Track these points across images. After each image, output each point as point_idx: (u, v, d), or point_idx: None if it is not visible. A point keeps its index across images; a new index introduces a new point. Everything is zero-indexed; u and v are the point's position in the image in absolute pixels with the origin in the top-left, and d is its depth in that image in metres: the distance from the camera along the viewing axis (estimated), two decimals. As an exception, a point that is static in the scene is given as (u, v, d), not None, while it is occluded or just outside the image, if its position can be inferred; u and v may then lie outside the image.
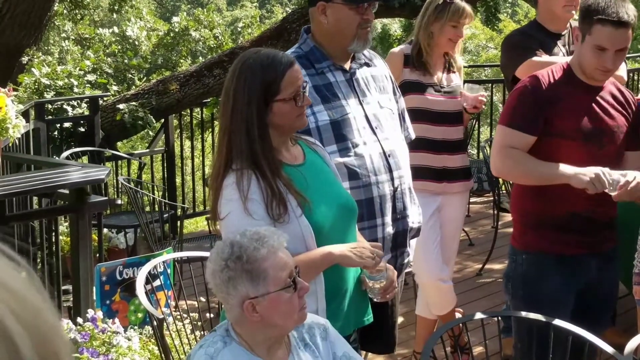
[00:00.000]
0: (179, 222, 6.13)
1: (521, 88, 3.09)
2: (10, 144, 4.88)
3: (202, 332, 3.49)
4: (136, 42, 14.42)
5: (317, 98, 2.85)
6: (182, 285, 3.70)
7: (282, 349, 2.20)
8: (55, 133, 7.01)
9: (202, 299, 4.19)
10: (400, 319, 4.80)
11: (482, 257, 5.91)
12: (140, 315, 4.18)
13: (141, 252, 5.47)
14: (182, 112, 8.12)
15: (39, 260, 4.58)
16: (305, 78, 2.62)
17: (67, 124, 7.06)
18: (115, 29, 15.10)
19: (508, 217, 6.36)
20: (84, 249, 4.21)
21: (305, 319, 2.19)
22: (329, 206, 2.49)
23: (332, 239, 2.44)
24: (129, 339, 3.54)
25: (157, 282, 3.63)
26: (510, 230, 3.45)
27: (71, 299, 4.32)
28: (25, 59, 8.42)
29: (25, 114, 5.48)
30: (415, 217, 3.04)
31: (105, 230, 5.67)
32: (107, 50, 13.72)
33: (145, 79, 13.06)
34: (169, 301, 3.90)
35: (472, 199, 7.05)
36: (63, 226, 5.36)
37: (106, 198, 5.07)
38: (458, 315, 4.35)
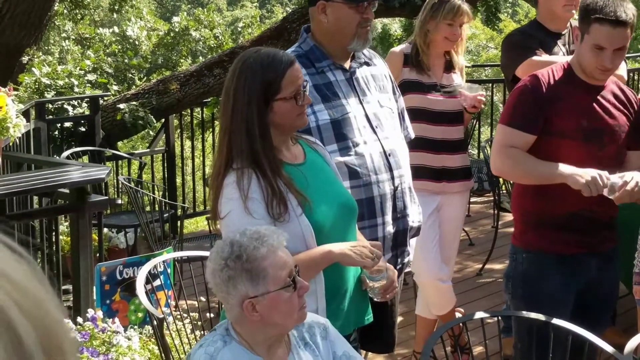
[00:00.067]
0: (179, 222, 6.13)
1: (521, 87, 3.10)
2: (10, 144, 4.88)
3: (202, 332, 3.49)
4: (136, 42, 14.42)
5: (317, 97, 2.85)
6: (182, 285, 3.69)
7: (282, 348, 2.20)
8: (56, 133, 7.01)
9: (202, 299, 4.19)
10: (400, 319, 4.80)
11: (482, 257, 5.91)
12: (140, 314, 4.18)
13: (141, 252, 5.47)
14: (183, 112, 8.12)
15: (39, 259, 4.59)
16: (306, 77, 2.62)
17: (67, 124, 7.06)
18: (116, 29, 15.10)
19: (508, 217, 6.36)
20: (84, 249, 4.21)
21: (305, 318, 2.19)
22: (329, 205, 2.49)
23: (332, 238, 2.44)
24: (129, 339, 3.54)
25: (157, 282, 3.63)
26: (511, 230, 3.45)
27: (71, 298, 4.32)
28: (25, 59, 8.42)
29: (25, 114, 5.48)
30: (415, 216, 3.04)
31: (105, 229, 5.67)
32: (108, 50, 13.72)
33: (145, 78, 13.06)
34: (169, 301, 3.91)
35: (473, 199, 7.05)
36: (63, 226, 5.36)
37: (106, 197, 5.08)
38: (458, 315, 4.35)
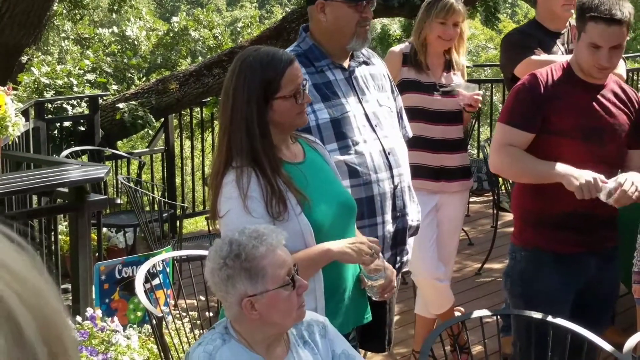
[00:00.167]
0: (178, 222, 6.12)
1: (520, 86, 3.10)
2: (10, 143, 4.88)
3: (201, 331, 3.48)
4: (136, 42, 14.42)
5: (317, 96, 2.85)
6: (181, 284, 3.69)
7: (281, 346, 2.20)
8: (55, 132, 7.00)
9: (202, 298, 4.19)
10: (399, 318, 4.80)
11: (482, 257, 5.91)
12: (139, 313, 4.18)
13: (140, 252, 5.47)
14: (182, 112, 8.12)
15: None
16: (305, 76, 2.62)
17: (67, 123, 7.06)
18: (115, 29, 15.10)
19: (508, 216, 6.37)
20: (83, 248, 4.21)
21: (303, 316, 2.19)
22: (328, 204, 2.49)
23: (331, 237, 2.44)
24: (128, 338, 3.54)
25: (156, 281, 3.63)
26: (510, 229, 3.45)
27: (70, 297, 4.32)
28: (24, 59, 8.42)
29: (25, 113, 5.48)
30: (414, 215, 3.04)
31: (104, 229, 5.67)
32: (107, 50, 13.72)
33: (144, 78, 13.06)
34: (168, 300, 3.90)
35: (472, 199, 7.05)
36: (62, 225, 5.36)
37: (105, 197, 5.07)
38: (458, 314, 4.35)
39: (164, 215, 5.79)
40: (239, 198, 2.35)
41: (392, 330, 2.96)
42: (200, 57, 13.80)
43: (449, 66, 4.11)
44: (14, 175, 4.59)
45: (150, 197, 6.03)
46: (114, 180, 7.54)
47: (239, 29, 17.05)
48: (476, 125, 7.93)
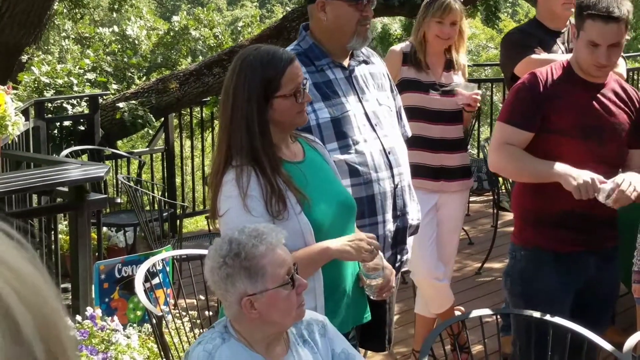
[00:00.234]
0: (178, 221, 6.12)
1: (519, 85, 3.10)
2: (9, 142, 4.88)
3: (201, 330, 3.48)
4: (136, 41, 14.43)
5: (317, 95, 2.84)
6: (181, 283, 3.69)
7: (281, 345, 2.20)
8: (55, 131, 7.00)
9: (202, 297, 4.19)
10: (399, 317, 4.80)
11: (482, 256, 5.91)
12: (139, 313, 4.17)
13: (140, 251, 5.47)
14: (182, 111, 8.12)
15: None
16: (305, 75, 2.62)
17: (67, 123, 7.06)
18: (115, 28, 15.10)
19: (508, 216, 6.37)
20: (83, 247, 4.20)
21: (303, 316, 2.19)
22: (328, 204, 2.49)
23: (331, 237, 2.44)
24: (128, 337, 3.54)
25: (156, 280, 3.62)
26: (510, 229, 3.45)
27: (70, 297, 4.32)
28: (24, 58, 8.42)
29: (25, 112, 5.48)
30: (414, 214, 3.04)
31: (104, 228, 5.67)
32: (107, 50, 13.72)
33: (145, 77, 13.06)
34: (167, 299, 3.90)
35: (472, 198, 7.05)
36: (62, 224, 5.36)
37: (105, 196, 5.07)
38: (458, 313, 4.34)
39: (164, 214, 5.79)
40: (238, 197, 2.35)
41: (392, 330, 2.96)
42: (200, 57, 13.81)
43: (449, 65, 4.10)
44: (13, 175, 4.59)
45: (150, 197, 6.03)
46: (114, 180, 7.54)
47: (239, 28, 17.05)
48: (476, 125, 7.93)
